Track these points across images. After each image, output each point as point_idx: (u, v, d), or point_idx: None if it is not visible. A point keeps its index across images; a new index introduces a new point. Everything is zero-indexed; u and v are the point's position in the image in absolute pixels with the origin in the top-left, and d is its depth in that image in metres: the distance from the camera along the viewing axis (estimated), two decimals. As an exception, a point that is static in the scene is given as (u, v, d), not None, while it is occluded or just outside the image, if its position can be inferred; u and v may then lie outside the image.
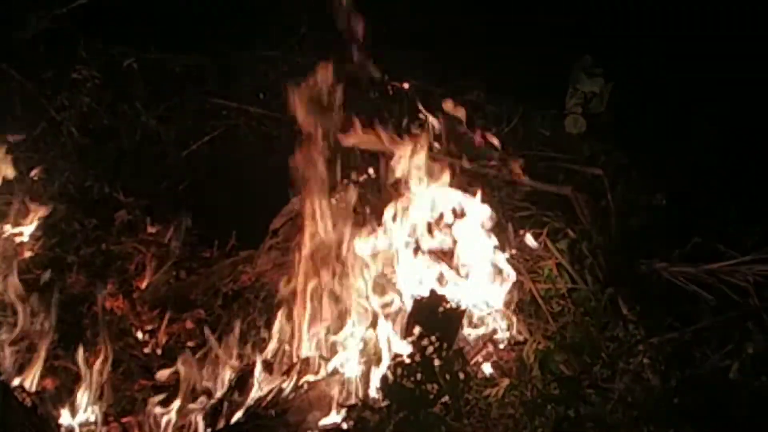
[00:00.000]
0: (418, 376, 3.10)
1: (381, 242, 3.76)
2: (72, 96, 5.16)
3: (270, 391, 3.45)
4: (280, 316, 3.70)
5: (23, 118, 4.99)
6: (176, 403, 3.44)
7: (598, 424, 3.14)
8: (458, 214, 3.89)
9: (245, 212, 4.45)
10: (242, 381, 3.51)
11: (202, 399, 3.46)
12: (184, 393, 3.47)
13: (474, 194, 3.92)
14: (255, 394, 3.47)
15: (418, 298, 3.49)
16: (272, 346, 3.68)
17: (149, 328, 4.01)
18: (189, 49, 5.66)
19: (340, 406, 3.38)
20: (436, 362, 3.12)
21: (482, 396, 3.37)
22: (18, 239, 4.36)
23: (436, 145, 4.45)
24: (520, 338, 3.75)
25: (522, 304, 3.88)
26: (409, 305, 3.58)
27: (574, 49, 5.60)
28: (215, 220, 4.52)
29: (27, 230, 4.39)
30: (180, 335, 3.98)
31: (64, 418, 3.45)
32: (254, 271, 4.15)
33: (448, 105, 4.31)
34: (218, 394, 3.51)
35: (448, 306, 3.38)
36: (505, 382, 3.46)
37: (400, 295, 3.66)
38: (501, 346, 3.74)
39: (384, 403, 3.14)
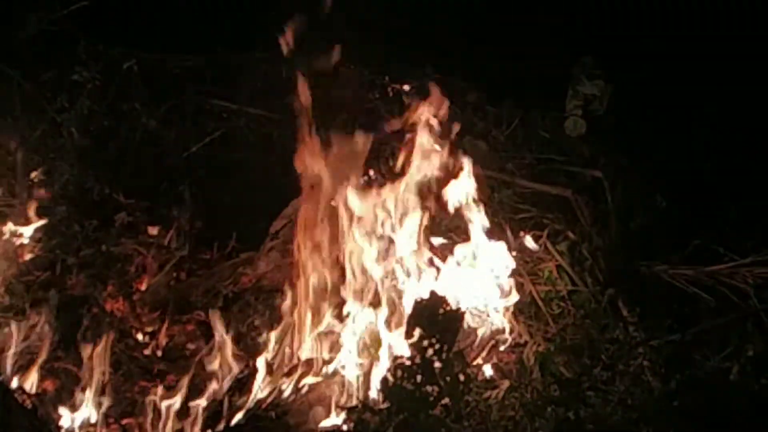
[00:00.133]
0: (419, 378, 3.10)
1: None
2: (72, 97, 5.14)
3: (270, 393, 3.46)
4: (280, 317, 3.70)
5: (23, 119, 4.98)
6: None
7: (598, 425, 3.14)
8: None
9: (245, 214, 4.46)
10: (243, 383, 3.51)
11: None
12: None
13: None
14: (255, 395, 3.47)
15: (419, 300, 3.49)
16: (272, 347, 3.68)
17: (149, 329, 4.01)
18: (189, 50, 5.66)
19: (340, 407, 3.38)
20: (437, 364, 3.12)
21: (482, 398, 3.36)
22: (18, 241, 4.36)
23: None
24: (521, 340, 3.76)
25: (522, 306, 3.88)
26: (409, 306, 3.58)
27: (575, 51, 5.61)
28: (215, 221, 4.53)
29: (27, 232, 4.40)
30: (180, 337, 3.99)
31: (65, 419, 3.45)
32: (254, 273, 4.15)
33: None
34: (219, 395, 3.52)
35: (448, 308, 3.37)
36: (506, 384, 3.47)
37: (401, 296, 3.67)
38: (501, 348, 3.75)
39: (384, 405, 3.13)
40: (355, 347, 3.55)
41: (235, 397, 3.46)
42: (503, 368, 3.64)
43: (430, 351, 3.15)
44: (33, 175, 4.72)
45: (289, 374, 3.51)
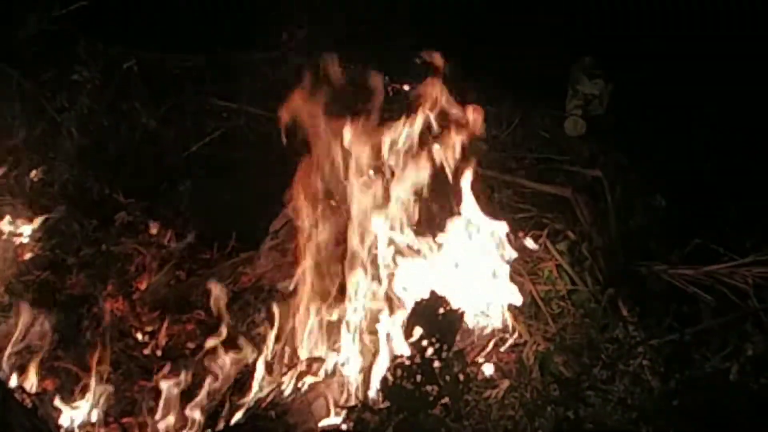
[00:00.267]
0: (418, 377, 3.10)
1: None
2: (72, 97, 5.16)
3: (270, 392, 3.46)
4: (280, 316, 3.70)
5: (23, 118, 4.98)
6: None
7: (597, 425, 3.14)
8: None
9: (245, 213, 4.46)
10: (242, 382, 3.51)
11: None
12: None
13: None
14: (255, 395, 3.47)
15: (418, 299, 3.49)
16: (272, 346, 3.68)
17: (149, 329, 4.01)
18: (188, 49, 5.66)
19: (340, 407, 3.38)
20: (436, 364, 3.12)
21: (482, 397, 3.37)
22: (18, 240, 4.36)
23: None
24: (520, 340, 3.76)
25: (522, 306, 3.88)
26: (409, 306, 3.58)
27: (574, 51, 5.61)
28: (215, 221, 4.53)
29: (27, 231, 4.40)
30: (180, 336, 3.99)
31: (64, 418, 3.45)
32: (254, 273, 4.16)
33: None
34: (218, 393, 3.52)
35: (448, 307, 3.37)
36: (505, 383, 3.46)
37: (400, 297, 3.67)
38: (501, 348, 3.75)
39: (384, 405, 3.13)
40: (355, 346, 3.56)
41: (235, 396, 3.47)
42: (503, 368, 3.64)
43: (430, 350, 3.15)
44: (33, 174, 4.73)
45: (288, 373, 3.51)
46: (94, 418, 3.49)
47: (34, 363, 3.59)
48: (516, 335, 3.77)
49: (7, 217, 4.42)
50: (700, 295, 3.93)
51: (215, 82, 5.57)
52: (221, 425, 3.41)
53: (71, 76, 5.21)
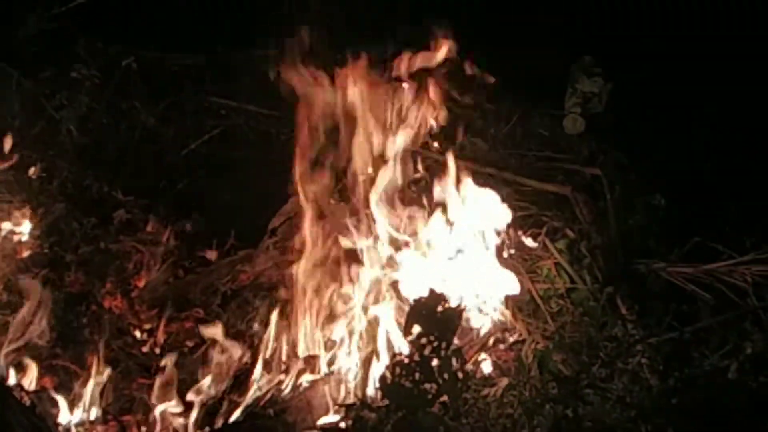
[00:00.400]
0: (417, 375, 3.10)
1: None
2: (71, 95, 5.16)
3: (268, 390, 3.45)
4: (279, 314, 3.70)
5: (22, 116, 4.98)
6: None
7: (596, 423, 3.14)
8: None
9: (244, 211, 4.46)
10: (240, 380, 3.51)
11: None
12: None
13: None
14: (253, 393, 3.47)
15: (417, 297, 3.49)
16: (271, 344, 3.68)
17: (148, 327, 4.01)
18: (188, 48, 5.66)
19: (339, 405, 3.38)
20: (435, 362, 3.12)
21: (481, 395, 3.36)
22: (17, 238, 4.36)
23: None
24: (519, 338, 3.76)
25: (521, 304, 3.88)
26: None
27: (574, 49, 5.60)
28: (214, 219, 4.53)
29: (26, 229, 4.40)
30: (179, 334, 3.99)
31: (63, 416, 3.45)
32: (253, 271, 4.15)
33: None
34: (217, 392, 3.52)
35: (446, 305, 3.37)
36: (504, 381, 3.46)
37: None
38: (500, 346, 3.74)
39: (382, 403, 3.13)
40: (354, 344, 3.56)
41: (234, 394, 3.46)
42: (502, 366, 3.64)
43: (429, 348, 3.15)
44: (32, 171, 4.73)
45: (287, 371, 3.51)
46: (92, 416, 3.49)
47: (32, 361, 3.59)
48: (515, 332, 3.77)
49: (7, 215, 4.42)
50: (699, 293, 3.93)
51: (215, 81, 5.57)
52: (220, 423, 3.41)
53: (70, 75, 5.21)
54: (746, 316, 3.66)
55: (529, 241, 4.16)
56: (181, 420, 3.42)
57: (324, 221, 3.74)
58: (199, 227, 4.51)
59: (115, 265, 4.26)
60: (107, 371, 3.61)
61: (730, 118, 5.08)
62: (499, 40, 5.37)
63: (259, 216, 4.32)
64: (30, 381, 3.55)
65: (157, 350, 3.89)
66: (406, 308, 3.51)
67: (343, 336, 3.61)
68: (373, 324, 3.59)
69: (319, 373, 3.52)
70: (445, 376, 3.10)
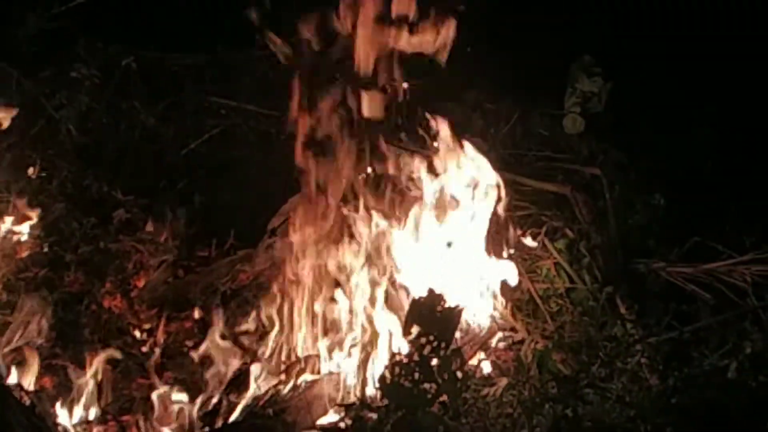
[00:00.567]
0: (416, 375, 3.10)
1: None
2: (71, 95, 5.15)
3: (268, 390, 3.45)
4: (278, 314, 3.70)
5: (22, 116, 4.98)
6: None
7: (596, 423, 3.14)
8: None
9: (243, 211, 4.46)
10: (240, 380, 3.51)
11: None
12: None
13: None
14: (252, 393, 3.47)
15: (416, 297, 3.49)
16: (270, 344, 3.68)
17: (147, 326, 4.01)
18: (188, 47, 5.66)
19: (338, 405, 3.38)
20: (434, 361, 3.12)
21: (480, 395, 3.37)
22: (16, 237, 4.36)
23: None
24: (519, 337, 3.76)
25: (520, 304, 3.88)
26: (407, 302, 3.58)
27: (574, 49, 5.60)
28: (214, 218, 4.53)
29: (25, 228, 4.40)
30: (179, 334, 3.99)
31: (62, 416, 3.45)
32: (252, 270, 4.15)
33: None
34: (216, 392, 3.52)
35: (446, 305, 3.37)
36: (503, 381, 3.46)
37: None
38: (500, 345, 3.75)
39: (382, 402, 3.13)
40: (354, 343, 3.56)
41: (233, 395, 3.46)
42: (501, 365, 3.64)
43: (428, 348, 3.15)
44: (31, 171, 4.73)
45: (286, 371, 3.50)
46: (91, 416, 3.49)
47: (32, 360, 3.59)
48: (514, 331, 3.77)
49: (6, 215, 4.42)
50: (699, 293, 3.93)
51: (215, 81, 5.57)
52: (219, 423, 3.41)
53: (70, 74, 5.21)
54: (746, 316, 3.66)
55: (528, 241, 4.16)
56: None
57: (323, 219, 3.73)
58: (198, 227, 4.51)
59: (114, 264, 4.25)
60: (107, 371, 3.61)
61: (730, 118, 5.08)
62: (498, 38, 5.37)
63: (259, 216, 4.32)
64: (29, 381, 3.54)
65: (157, 350, 3.87)
66: (405, 303, 3.52)
67: (343, 335, 3.60)
68: (373, 323, 3.59)
69: (318, 373, 3.52)
70: (445, 375, 3.10)
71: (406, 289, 3.66)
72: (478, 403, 3.27)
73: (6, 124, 4.57)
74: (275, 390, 3.43)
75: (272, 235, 4.18)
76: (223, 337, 3.70)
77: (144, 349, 3.90)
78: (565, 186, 4.37)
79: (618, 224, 4.20)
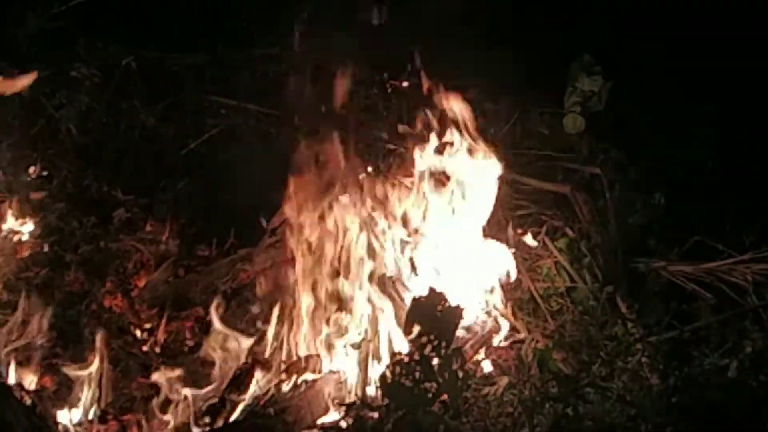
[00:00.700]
0: (417, 374, 3.10)
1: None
2: (71, 94, 5.15)
3: (268, 390, 3.45)
4: (279, 314, 3.70)
5: (22, 116, 4.98)
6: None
7: (596, 422, 3.14)
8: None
9: (243, 210, 4.46)
10: (240, 379, 3.50)
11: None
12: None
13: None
14: (253, 392, 3.47)
15: (417, 296, 3.49)
16: (271, 344, 3.68)
17: (148, 326, 4.01)
18: (188, 47, 5.66)
19: (339, 404, 3.38)
20: (435, 361, 3.12)
21: (481, 394, 3.37)
22: (17, 237, 4.36)
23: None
24: (519, 337, 3.76)
25: (521, 303, 3.88)
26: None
27: (573, 48, 5.60)
28: (214, 218, 4.53)
29: (26, 229, 4.40)
30: (179, 333, 3.99)
31: (63, 416, 3.45)
32: (253, 270, 4.15)
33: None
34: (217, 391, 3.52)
35: (446, 304, 3.38)
36: (504, 380, 3.46)
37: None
38: (501, 344, 3.75)
39: (382, 402, 3.13)
40: (354, 343, 3.56)
41: (233, 394, 3.46)
42: (502, 365, 3.64)
43: (429, 347, 3.15)
44: (31, 171, 4.73)
45: (287, 371, 3.50)
46: (92, 415, 3.49)
47: (32, 360, 3.59)
48: (515, 330, 3.77)
49: (6, 215, 4.42)
50: (699, 292, 3.94)
51: (214, 80, 5.57)
52: (220, 423, 3.41)
53: (70, 74, 5.21)
54: (746, 315, 3.67)
55: (529, 240, 4.17)
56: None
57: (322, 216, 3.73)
58: (199, 226, 4.51)
59: (115, 264, 4.25)
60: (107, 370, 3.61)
61: (730, 118, 5.09)
62: (498, 38, 5.37)
63: (259, 215, 4.32)
64: (30, 380, 3.55)
65: (157, 349, 3.88)
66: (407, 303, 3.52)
67: (344, 335, 3.60)
68: (374, 322, 3.59)
69: (319, 372, 3.52)
70: (446, 375, 3.10)
71: (408, 288, 3.67)
72: (479, 403, 3.27)
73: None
74: (276, 389, 3.43)
75: (272, 235, 4.18)
76: (223, 336, 3.69)
77: (145, 348, 3.90)
78: (566, 185, 4.38)
79: (618, 223, 4.20)
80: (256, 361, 3.54)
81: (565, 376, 3.34)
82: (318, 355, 3.57)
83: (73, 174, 4.76)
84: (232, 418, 3.39)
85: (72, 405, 3.49)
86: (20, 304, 3.77)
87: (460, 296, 3.55)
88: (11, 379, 3.50)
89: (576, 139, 5.35)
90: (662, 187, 4.53)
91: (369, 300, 3.63)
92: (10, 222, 4.40)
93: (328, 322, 3.63)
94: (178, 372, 3.53)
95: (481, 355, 3.70)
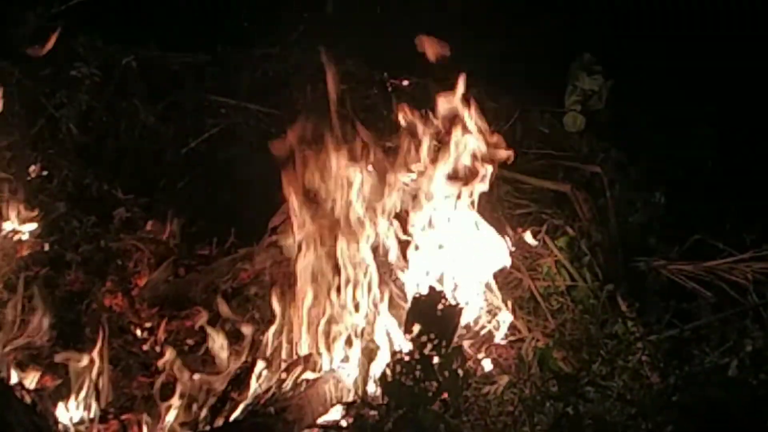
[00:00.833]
0: (417, 373, 3.10)
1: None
2: (71, 94, 5.15)
3: (269, 389, 3.45)
4: (279, 313, 3.70)
5: (22, 115, 4.98)
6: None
7: (596, 421, 3.14)
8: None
9: (244, 209, 4.46)
10: (241, 378, 3.50)
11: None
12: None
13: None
14: (254, 391, 3.47)
15: (417, 295, 3.49)
16: (271, 343, 3.68)
17: (148, 325, 4.01)
18: (188, 46, 5.66)
19: (339, 403, 3.38)
20: (435, 359, 3.12)
21: (481, 393, 3.37)
22: (17, 237, 4.36)
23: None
24: (519, 335, 3.76)
25: (521, 302, 3.88)
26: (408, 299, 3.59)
27: (574, 47, 5.61)
28: (214, 217, 4.53)
29: (26, 228, 4.40)
30: (179, 333, 3.99)
31: (63, 415, 3.45)
32: (253, 269, 4.15)
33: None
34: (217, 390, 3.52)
35: (446, 303, 3.38)
36: (504, 379, 3.46)
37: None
38: (501, 344, 3.75)
39: (383, 401, 3.13)
40: (354, 342, 3.56)
41: (234, 393, 3.46)
42: (502, 363, 3.64)
43: (429, 346, 3.15)
44: (32, 170, 4.73)
45: (287, 370, 3.50)
46: (92, 415, 3.49)
47: (33, 360, 3.59)
48: (515, 331, 3.78)
49: (7, 214, 4.41)
50: (700, 290, 3.94)
51: (214, 79, 5.57)
52: (220, 422, 3.40)
53: (70, 73, 5.21)
54: (746, 314, 3.67)
55: (529, 239, 4.17)
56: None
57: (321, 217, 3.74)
58: (199, 226, 4.51)
59: (115, 263, 4.25)
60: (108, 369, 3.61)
61: (730, 117, 5.09)
62: (498, 37, 5.38)
63: (259, 215, 4.32)
64: (31, 379, 3.54)
65: (158, 349, 3.87)
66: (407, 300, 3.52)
67: (344, 334, 3.60)
68: (374, 322, 3.59)
69: (319, 371, 3.52)
70: (446, 374, 3.10)
71: (408, 286, 3.67)
72: (479, 401, 3.27)
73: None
74: (276, 388, 3.43)
75: (273, 234, 4.18)
76: (224, 335, 3.70)
77: (145, 347, 3.90)
78: (566, 184, 4.38)
79: (618, 222, 4.20)
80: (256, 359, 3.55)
81: (566, 374, 3.35)
82: (318, 354, 3.56)
83: (74, 173, 4.76)
84: (233, 417, 3.39)
85: (72, 404, 3.49)
86: (19, 303, 3.77)
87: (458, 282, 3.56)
88: (12, 379, 3.50)
89: (576, 137, 5.35)
90: (662, 186, 4.54)
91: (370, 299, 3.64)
92: (11, 221, 4.39)
93: (329, 320, 3.63)
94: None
95: (482, 353, 3.70)
